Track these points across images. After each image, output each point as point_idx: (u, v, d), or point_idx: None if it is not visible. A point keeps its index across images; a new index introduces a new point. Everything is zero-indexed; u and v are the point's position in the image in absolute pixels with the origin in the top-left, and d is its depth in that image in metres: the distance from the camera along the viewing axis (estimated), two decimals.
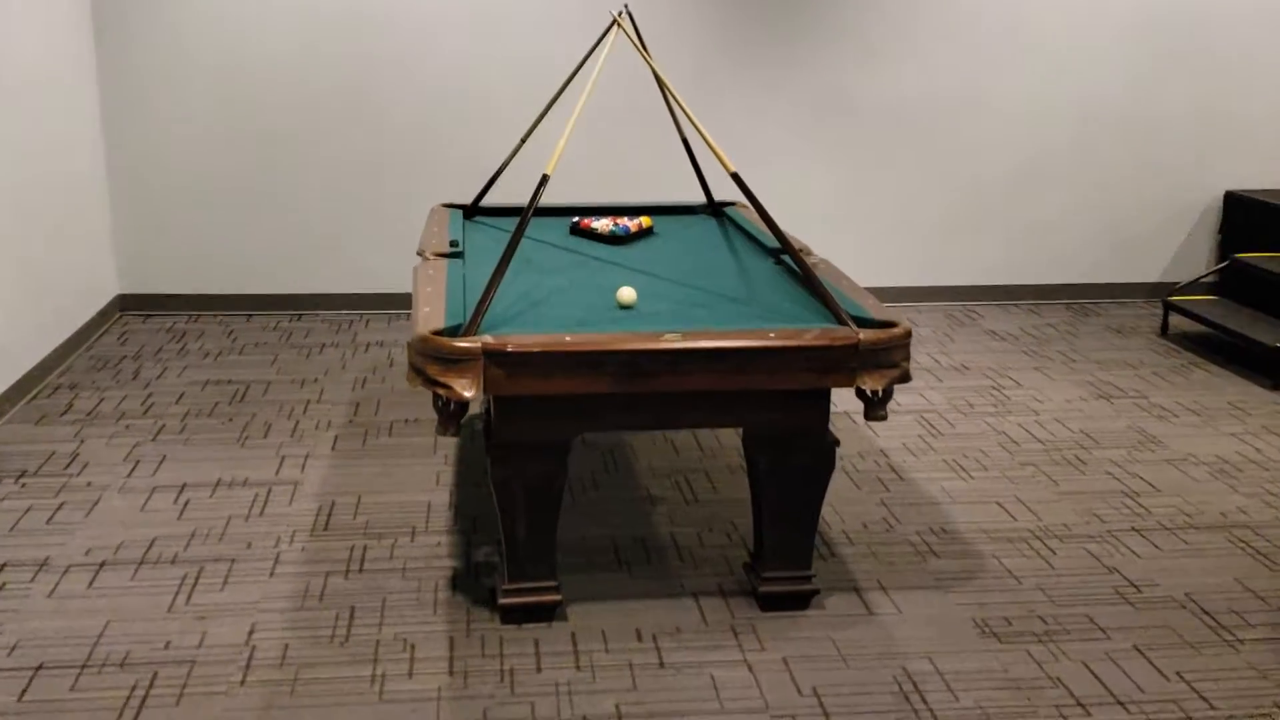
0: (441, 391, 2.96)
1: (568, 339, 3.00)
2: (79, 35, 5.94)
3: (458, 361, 2.95)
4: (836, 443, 3.31)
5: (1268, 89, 6.91)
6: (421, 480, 4.31)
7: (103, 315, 6.16)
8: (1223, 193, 7.01)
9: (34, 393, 5.14)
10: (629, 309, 3.43)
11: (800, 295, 3.60)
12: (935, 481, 4.38)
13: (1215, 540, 3.95)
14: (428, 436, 4.74)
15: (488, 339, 2.97)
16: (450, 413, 3.04)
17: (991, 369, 5.77)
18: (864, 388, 3.09)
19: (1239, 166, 7.00)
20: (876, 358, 3.07)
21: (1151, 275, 7.13)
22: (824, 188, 6.70)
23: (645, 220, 4.49)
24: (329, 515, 4.01)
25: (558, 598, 3.32)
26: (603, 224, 4.42)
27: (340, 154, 6.40)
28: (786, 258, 3.99)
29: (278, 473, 4.36)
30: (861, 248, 6.77)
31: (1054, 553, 3.83)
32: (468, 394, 2.95)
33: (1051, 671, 3.16)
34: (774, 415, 3.23)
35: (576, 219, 4.53)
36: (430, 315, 3.17)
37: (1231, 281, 6.47)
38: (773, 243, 4.20)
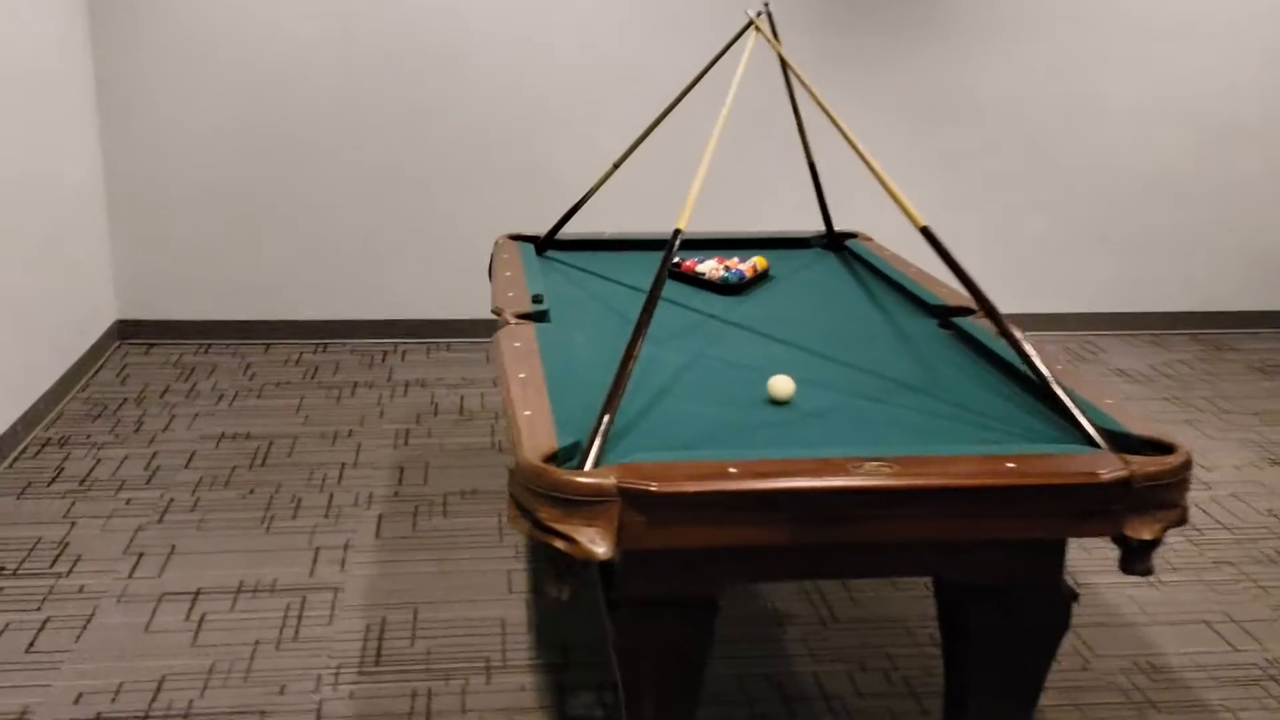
0: (561, 545, 2.14)
1: (732, 470, 2.17)
2: (72, 25, 5.10)
3: (584, 505, 2.12)
4: (1074, 596, 2.49)
5: None
6: (491, 585, 3.50)
7: (99, 346, 5.33)
8: None
9: (18, 451, 4.33)
10: (783, 405, 2.61)
11: (1000, 384, 2.78)
12: (1119, 589, 3.56)
13: None
14: (489, 518, 3.93)
15: (624, 474, 2.14)
16: (569, 570, 2.22)
17: None
18: (1133, 537, 2.26)
19: None
20: (1151, 496, 2.25)
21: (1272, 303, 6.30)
22: (918, 200, 5.84)
23: (760, 261, 3.66)
24: (380, 639, 3.20)
25: None
26: (710, 267, 3.59)
27: (374, 162, 5.56)
28: (962, 321, 3.16)
29: (312, 572, 3.55)
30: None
31: None
32: (599, 550, 2.12)
33: None
34: (994, 562, 2.41)
35: (676, 260, 3.70)
36: (535, 427, 2.34)
37: None
38: (926, 293, 3.37)
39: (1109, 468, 2.22)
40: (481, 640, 3.21)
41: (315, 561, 3.61)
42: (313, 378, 5.25)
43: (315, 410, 4.85)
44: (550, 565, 2.24)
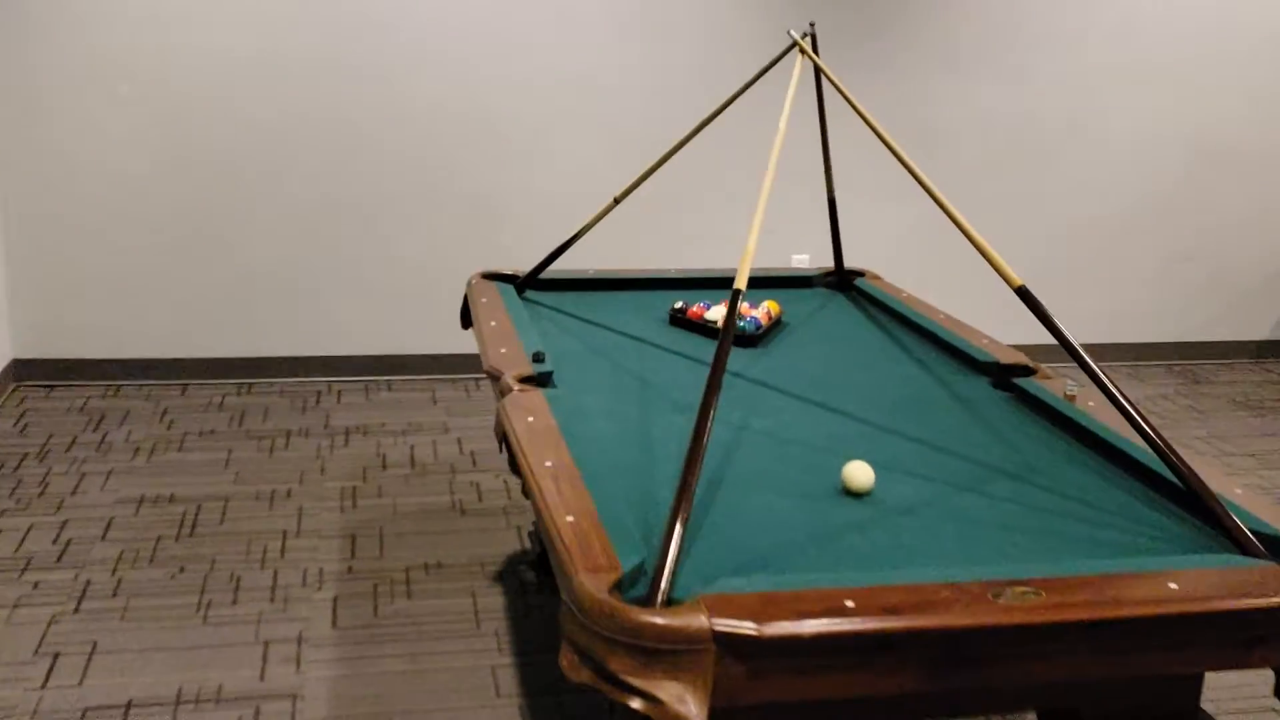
0: (641, 706, 1.68)
1: (849, 604, 1.74)
2: None
3: (669, 655, 1.67)
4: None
5: None
6: (474, 687, 3.01)
7: None
8: None
9: None
10: (860, 496, 2.19)
11: (1098, 464, 2.39)
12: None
13: None
14: (461, 598, 3.44)
15: (717, 612, 1.69)
16: None
17: None
18: None
19: None
20: None
21: (1260, 332, 6.08)
22: (893, 229, 5.50)
23: (773, 306, 3.24)
24: None
25: None
26: (719, 314, 3.16)
27: (302, 188, 5.02)
28: (1023, 382, 2.78)
29: (263, 675, 3.03)
30: (938, 299, 5.59)
31: None
32: (690, 712, 1.67)
33: None
34: (1136, 692, 2.02)
35: (680, 305, 3.26)
36: (587, 542, 1.89)
37: None
38: (973, 348, 2.98)
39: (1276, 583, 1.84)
40: None
41: (265, 660, 3.09)
42: (239, 424, 4.70)
43: (246, 465, 4.30)
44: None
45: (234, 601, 3.37)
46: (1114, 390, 2.18)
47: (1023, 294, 2.28)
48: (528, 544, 3.75)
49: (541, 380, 2.68)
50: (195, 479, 4.17)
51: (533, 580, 3.53)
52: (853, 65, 5.26)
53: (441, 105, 5.03)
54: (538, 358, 2.77)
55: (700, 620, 1.66)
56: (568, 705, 2.94)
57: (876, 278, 3.71)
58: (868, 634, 1.70)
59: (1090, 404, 2.64)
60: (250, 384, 5.15)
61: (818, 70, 2.71)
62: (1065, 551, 1.99)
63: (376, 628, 3.26)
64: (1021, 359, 2.91)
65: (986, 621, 1.73)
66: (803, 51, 2.71)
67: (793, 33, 2.86)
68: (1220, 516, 2.02)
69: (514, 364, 2.74)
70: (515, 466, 2.57)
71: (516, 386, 2.60)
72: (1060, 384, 2.75)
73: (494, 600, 3.42)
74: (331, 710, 2.88)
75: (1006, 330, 5.22)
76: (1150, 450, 2.35)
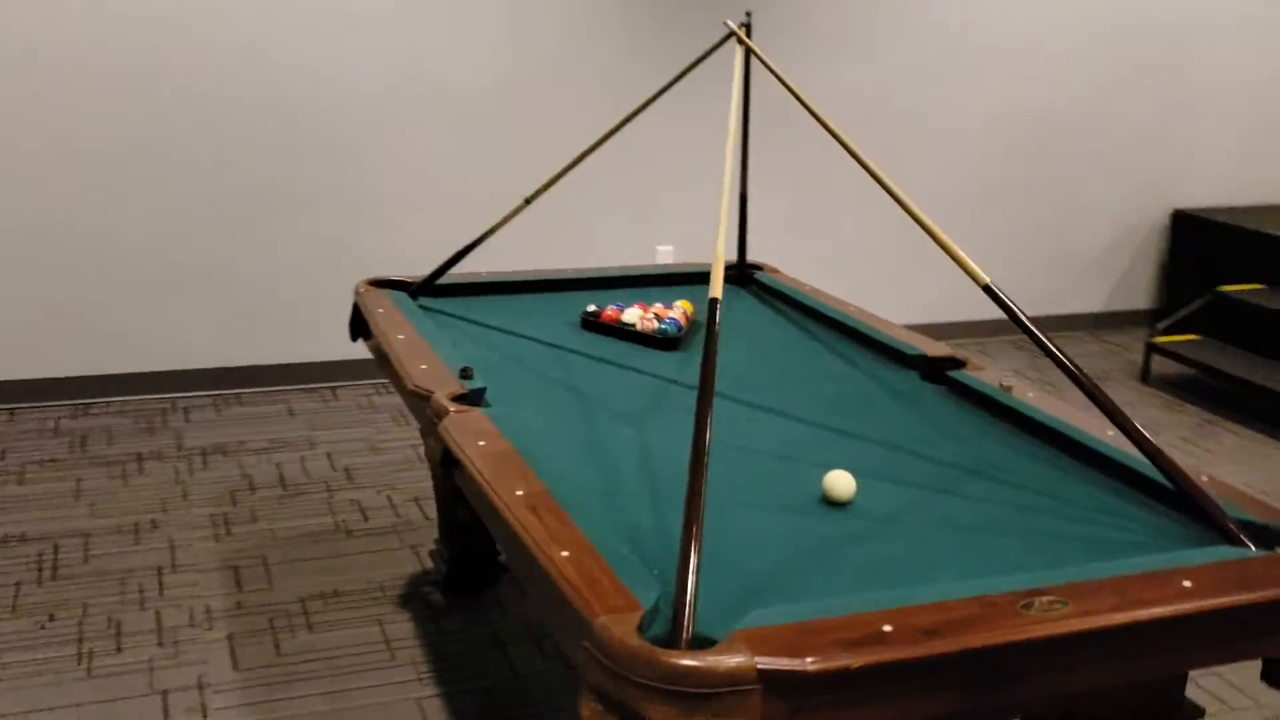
0: None
1: (886, 629, 1.67)
2: None
3: (713, 699, 1.56)
4: (1200, 713, 2.13)
5: (1224, 103, 6.22)
6: (399, 717, 2.85)
7: None
8: (1171, 212, 6.28)
9: None
10: (841, 505, 2.13)
11: (1053, 456, 2.39)
12: None
13: None
14: (368, 627, 3.25)
15: (759, 649, 1.59)
16: None
17: None
18: None
19: (1187, 184, 6.29)
20: None
21: (1095, 305, 6.33)
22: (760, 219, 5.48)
23: (687, 306, 3.16)
24: None
25: None
26: (637, 316, 3.06)
27: (134, 191, 4.68)
28: (958, 374, 2.77)
29: None
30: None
31: None
32: None
33: None
34: (1129, 690, 2.02)
35: (593, 309, 3.14)
36: (597, 583, 1.76)
37: (1204, 316, 5.68)
38: (899, 341, 2.96)
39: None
40: None
41: (167, 712, 2.84)
42: (82, 450, 4.34)
43: (100, 495, 3.98)
44: None
45: (118, 649, 3.10)
46: (1082, 378, 2.18)
47: (989, 291, 2.25)
48: (429, 564, 3.57)
49: (473, 398, 2.53)
50: (45, 514, 3.82)
51: (442, 603, 3.36)
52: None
53: (282, 109, 4.76)
54: (466, 374, 2.61)
55: (744, 659, 1.56)
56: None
57: (775, 270, 3.67)
58: (913, 661, 1.63)
59: (1029, 395, 2.64)
60: (86, 404, 4.78)
61: (748, 60, 2.63)
62: (1064, 553, 1.97)
63: (282, 666, 3.05)
64: (948, 351, 2.90)
65: (1023, 636, 1.68)
66: (741, 41, 2.62)
67: (730, 23, 2.78)
68: (1207, 508, 2.03)
69: (441, 382, 2.57)
70: (451, 490, 2.42)
71: (452, 407, 2.44)
72: (993, 374, 2.75)
73: (403, 627, 3.24)
74: None
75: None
76: (1105, 442, 2.38)
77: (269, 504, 3.97)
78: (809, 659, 1.59)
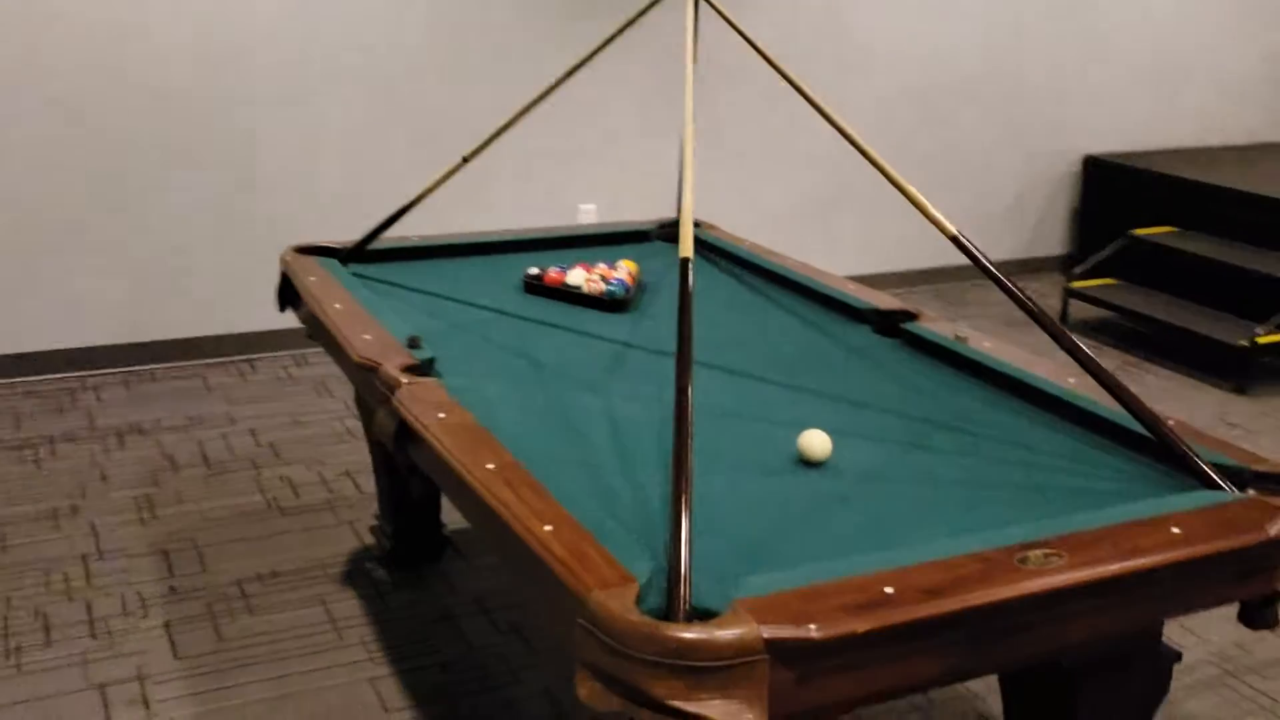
0: None
1: (888, 591, 1.63)
2: None
3: (719, 671, 1.51)
4: (1178, 656, 2.14)
5: (1128, 49, 6.29)
6: (355, 702, 2.75)
7: None
8: (1082, 158, 6.35)
9: None
10: (817, 465, 2.09)
11: (1020, 406, 2.38)
12: None
13: None
14: (310, 607, 3.14)
15: (766, 617, 1.54)
16: None
17: None
18: None
19: (1097, 130, 6.36)
20: None
21: (1009, 253, 6.40)
22: (660, 165, 5.42)
23: (631, 266, 3.08)
24: None
25: None
26: (581, 278, 2.98)
27: (24, 156, 4.45)
28: (912, 326, 2.74)
29: None
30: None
31: None
32: None
33: None
34: (1105, 638, 2.01)
35: (535, 271, 3.05)
36: (586, 557, 1.69)
37: (1119, 260, 5.76)
38: (849, 296, 2.93)
39: (1274, 518, 1.86)
40: None
41: (107, 707, 2.72)
42: None
43: (12, 482, 3.80)
44: None
45: (47, 643, 2.95)
46: (1055, 328, 2.16)
47: (957, 242, 2.22)
48: (369, 540, 3.47)
49: (423, 368, 2.43)
50: None
51: (387, 579, 3.27)
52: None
53: (193, 72, 4.56)
54: (414, 343, 2.51)
55: (750, 629, 1.51)
56: (464, 710, 2.73)
57: (714, 227, 3.61)
58: (919, 621, 1.60)
59: (985, 345, 2.62)
60: None
61: (696, 8, 2.55)
62: (1048, 504, 1.96)
63: (225, 653, 2.93)
64: (899, 304, 2.87)
65: (1023, 591, 1.66)
66: None
67: None
68: (1183, 453, 2.02)
69: (388, 352, 2.47)
70: (407, 465, 2.33)
71: (404, 379, 2.34)
72: (947, 326, 2.73)
73: (348, 606, 3.14)
74: None
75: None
76: (1068, 389, 2.37)
77: (194, 484, 3.82)
78: (815, 626, 1.55)
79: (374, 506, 3.65)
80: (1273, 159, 6.28)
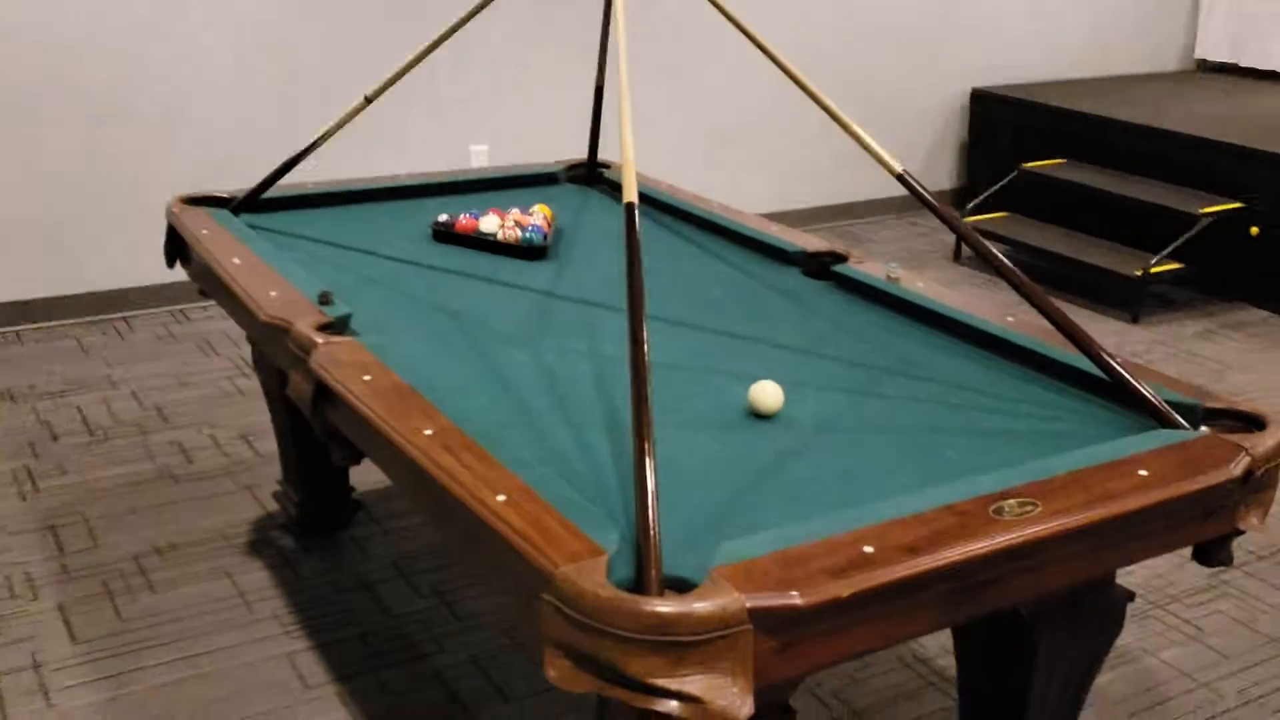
0: (679, 710, 1.43)
1: (868, 550, 1.55)
2: None
3: (701, 645, 1.42)
4: (1130, 596, 2.12)
5: None
6: (273, 679, 2.61)
7: None
8: (969, 90, 6.36)
9: None
10: (769, 418, 2.01)
11: (967, 349, 2.32)
12: None
13: None
14: (216, 580, 2.98)
15: (747, 586, 1.46)
16: None
17: None
18: (1247, 529, 1.91)
19: (984, 64, 6.37)
20: (1264, 480, 1.89)
21: (900, 188, 6.37)
22: (556, 106, 5.27)
23: (546, 211, 2.95)
24: None
25: None
26: (495, 225, 2.84)
27: None
28: (843, 269, 2.67)
29: (5, 717, 2.47)
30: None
31: None
32: (741, 709, 1.44)
33: None
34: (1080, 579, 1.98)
35: (445, 218, 2.90)
36: (549, 530, 1.58)
37: (1010, 193, 5.79)
38: (773, 238, 2.84)
39: (1236, 457, 1.84)
40: None
41: (1, 700, 2.53)
42: None
43: None
44: None
45: None
46: (1003, 263, 2.10)
47: (902, 179, 2.14)
48: (272, 506, 3.30)
49: (337, 326, 2.28)
50: None
51: (295, 547, 3.11)
52: None
53: (33, 4, 4.24)
54: (325, 299, 2.35)
55: (734, 599, 1.42)
56: (391, 682, 2.61)
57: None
58: (901, 581, 1.53)
59: (919, 285, 2.57)
60: None
61: None
62: (1010, 450, 1.90)
63: (128, 634, 2.76)
64: (827, 245, 2.80)
65: (1002, 543, 1.60)
66: None
67: None
68: (1139, 392, 1.99)
69: (298, 310, 2.31)
70: (322, 429, 2.18)
71: (320, 339, 2.19)
72: (878, 267, 2.67)
73: (257, 577, 2.98)
74: None
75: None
76: (1008, 329, 2.32)
77: (77, 453, 3.59)
78: (798, 593, 1.46)
79: (275, 470, 3.47)
80: (1159, 89, 6.37)
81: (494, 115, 5.09)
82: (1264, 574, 3.12)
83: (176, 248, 2.93)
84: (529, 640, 1.57)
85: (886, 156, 2.12)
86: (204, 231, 2.79)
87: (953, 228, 2.12)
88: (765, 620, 1.44)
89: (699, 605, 1.41)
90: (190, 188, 4.28)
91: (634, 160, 1.91)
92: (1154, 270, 4.88)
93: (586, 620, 1.43)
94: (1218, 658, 2.79)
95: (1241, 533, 1.91)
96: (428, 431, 1.84)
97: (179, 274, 4.64)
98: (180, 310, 4.74)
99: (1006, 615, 2.01)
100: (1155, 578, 3.09)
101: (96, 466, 3.51)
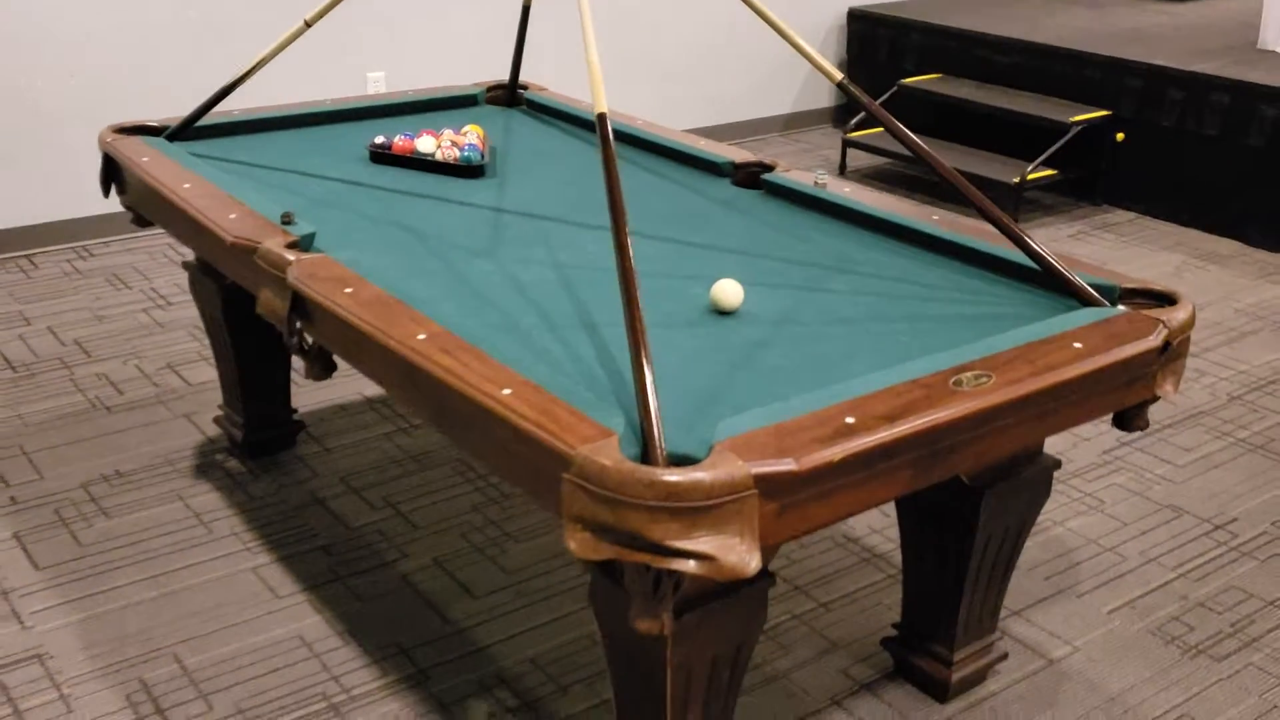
0: (697, 568, 1.58)
1: (850, 421, 1.72)
2: None
3: (712, 510, 1.58)
4: (1057, 464, 2.34)
5: None
6: (246, 595, 2.70)
7: None
8: (846, 10, 6.54)
9: None
10: (731, 314, 2.16)
11: (898, 245, 2.50)
12: None
13: None
14: (169, 503, 3.03)
15: (750, 456, 1.61)
16: (673, 591, 1.67)
17: None
18: (1163, 396, 2.13)
19: None
20: (1178, 351, 2.12)
21: (783, 107, 6.56)
22: (448, 31, 5.29)
23: (479, 130, 3.03)
24: (161, 713, 2.34)
25: None
26: (431, 145, 2.92)
27: None
28: (772, 177, 2.82)
29: None
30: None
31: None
32: (750, 563, 1.60)
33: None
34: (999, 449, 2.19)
35: (381, 140, 2.97)
36: (558, 416, 1.71)
37: (890, 108, 6.01)
38: (705, 153, 2.98)
39: (1155, 329, 2.05)
40: (297, 673, 2.46)
41: None
42: None
43: None
44: (639, 592, 1.68)
45: None
46: (943, 167, 2.28)
47: (843, 87, 2.29)
48: (211, 431, 3.35)
49: (303, 245, 2.35)
50: None
51: (242, 469, 3.17)
52: None
53: None
54: (287, 219, 2.41)
55: (740, 467, 1.58)
56: (361, 589, 2.72)
57: (543, 89, 3.57)
58: (882, 446, 1.70)
59: (845, 190, 2.73)
60: None
61: None
62: (955, 332, 2.08)
63: (89, 558, 2.81)
64: (753, 156, 2.94)
65: (966, 409, 1.79)
66: None
67: None
68: (1063, 276, 2.19)
69: (264, 230, 2.38)
70: (296, 345, 2.27)
71: (291, 256, 2.26)
72: (805, 175, 2.82)
73: (209, 499, 3.04)
74: (95, 660, 2.47)
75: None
76: (936, 226, 2.50)
77: (3, 389, 3.57)
78: (794, 459, 1.62)
79: (209, 398, 3.51)
80: (1025, 3, 6.63)
81: (389, 43, 5.09)
82: (1151, 449, 3.41)
83: (113, 175, 2.94)
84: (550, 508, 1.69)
85: (828, 66, 2.26)
86: (144, 159, 2.81)
87: (895, 133, 2.28)
88: (767, 485, 1.60)
89: (711, 474, 1.56)
90: (92, 123, 4.24)
91: (600, 74, 2.01)
92: (1030, 177, 5.15)
93: (608, 493, 1.56)
94: (1118, 524, 3.06)
95: (1157, 399, 2.14)
96: (421, 336, 1.94)
97: (80, 210, 4.61)
98: (83, 246, 4.68)
99: (951, 484, 2.21)
100: (1056, 454, 3.35)
101: (26, 401, 3.50)
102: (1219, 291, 4.53)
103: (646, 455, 1.63)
